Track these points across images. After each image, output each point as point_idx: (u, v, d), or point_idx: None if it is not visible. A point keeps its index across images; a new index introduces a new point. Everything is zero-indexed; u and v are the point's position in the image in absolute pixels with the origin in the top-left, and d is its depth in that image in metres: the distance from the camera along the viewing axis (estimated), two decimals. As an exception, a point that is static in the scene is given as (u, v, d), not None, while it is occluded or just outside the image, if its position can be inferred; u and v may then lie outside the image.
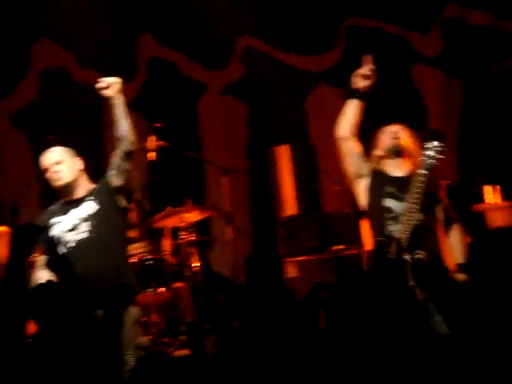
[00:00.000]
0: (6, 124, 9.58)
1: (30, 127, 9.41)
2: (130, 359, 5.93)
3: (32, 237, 5.19)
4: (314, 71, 9.84)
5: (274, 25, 9.45)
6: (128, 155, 6.24)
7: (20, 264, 4.97)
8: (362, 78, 5.40)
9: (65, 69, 9.52)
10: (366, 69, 5.41)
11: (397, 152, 6.06)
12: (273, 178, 9.23)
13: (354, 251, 8.17)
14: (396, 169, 5.88)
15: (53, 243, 6.42)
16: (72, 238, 6.36)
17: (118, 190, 6.35)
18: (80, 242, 6.36)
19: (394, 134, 6.19)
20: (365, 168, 5.91)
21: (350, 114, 5.56)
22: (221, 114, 9.74)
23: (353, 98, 5.53)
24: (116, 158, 6.27)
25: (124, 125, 6.22)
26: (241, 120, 9.72)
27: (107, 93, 6.20)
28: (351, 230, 8.27)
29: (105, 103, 6.63)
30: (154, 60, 9.63)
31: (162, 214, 8.37)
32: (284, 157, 9.04)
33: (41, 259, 6.36)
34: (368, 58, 5.46)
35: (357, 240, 8.16)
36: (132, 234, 8.28)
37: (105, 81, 6.23)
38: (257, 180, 9.64)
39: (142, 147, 7.46)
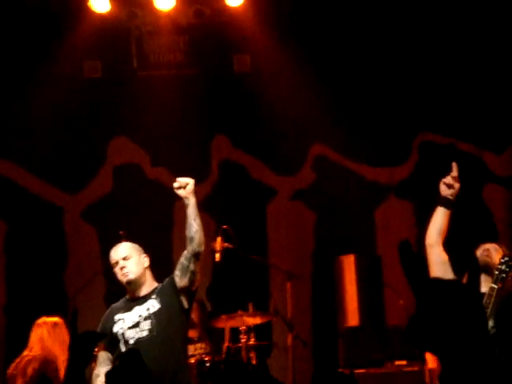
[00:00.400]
0: (78, 218, 9.54)
1: (101, 222, 9.39)
2: None
3: (92, 345, 4.99)
4: (384, 183, 9.78)
5: (347, 133, 9.43)
6: (196, 256, 6.23)
7: (80, 371, 4.81)
8: (446, 186, 5.31)
9: (138, 166, 9.51)
10: (449, 177, 5.34)
11: (485, 268, 6.13)
12: (337, 286, 9.06)
13: (416, 368, 8.02)
14: (485, 284, 5.94)
15: (115, 339, 6.39)
16: (132, 335, 6.34)
17: (183, 291, 6.31)
18: (140, 340, 6.32)
19: (485, 251, 6.30)
20: (450, 276, 5.92)
21: (438, 221, 5.47)
22: (289, 219, 9.76)
23: (440, 205, 5.43)
24: (184, 258, 6.28)
25: (195, 226, 6.25)
26: (308, 226, 9.75)
27: (181, 193, 6.25)
28: (414, 345, 8.31)
29: (175, 202, 6.75)
30: (226, 162, 9.63)
31: (224, 316, 8.24)
32: (349, 266, 9.04)
33: (102, 355, 6.37)
34: (454, 166, 5.50)
35: (420, 357, 7.99)
36: (192, 334, 8.33)
37: (180, 181, 6.29)
38: (320, 288, 9.49)
39: (209, 248, 7.35)
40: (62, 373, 8.02)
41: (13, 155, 9.76)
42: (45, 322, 8.18)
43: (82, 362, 4.84)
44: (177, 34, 9.43)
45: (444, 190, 5.76)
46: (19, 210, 9.64)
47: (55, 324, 8.14)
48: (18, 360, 8.00)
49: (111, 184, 9.79)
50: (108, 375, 5.45)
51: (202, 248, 6.35)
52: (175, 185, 6.35)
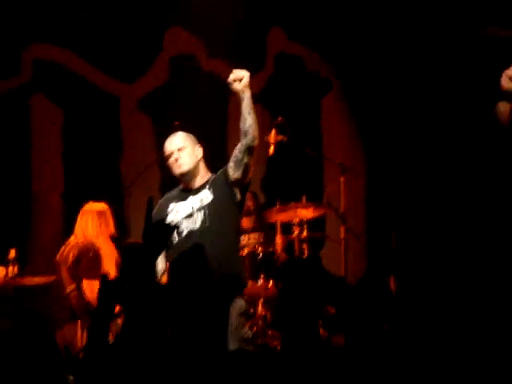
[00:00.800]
0: (134, 107, 9.67)
1: (157, 112, 9.56)
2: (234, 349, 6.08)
3: (166, 235, 5.40)
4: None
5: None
6: (249, 150, 6.26)
7: (154, 259, 5.01)
8: (510, 79, 5.16)
9: (194, 57, 9.58)
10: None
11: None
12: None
13: None
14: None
15: (169, 229, 6.39)
16: (186, 225, 6.42)
17: (236, 183, 6.35)
18: (193, 231, 6.40)
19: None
20: None
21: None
22: (343, 114, 9.66)
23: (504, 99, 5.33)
24: (238, 151, 6.28)
25: (249, 120, 6.25)
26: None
27: (236, 86, 6.22)
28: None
29: (231, 94, 6.76)
30: (282, 54, 9.68)
31: (277, 207, 8.44)
32: None
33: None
34: None
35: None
36: (246, 223, 8.44)
37: (236, 73, 6.24)
38: (374, 182, 9.52)
39: (263, 141, 7.32)
40: (103, 261, 8.28)
41: (72, 45, 9.62)
42: (90, 210, 8.36)
43: (156, 249, 4.95)
44: None
45: (507, 83, 5.52)
46: (76, 99, 9.62)
47: (100, 212, 8.33)
48: (63, 247, 8.19)
49: (167, 75, 9.78)
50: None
51: (256, 142, 6.32)
52: (231, 77, 6.28)
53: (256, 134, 6.30)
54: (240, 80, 6.23)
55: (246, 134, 6.29)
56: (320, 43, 9.65)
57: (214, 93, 9.42)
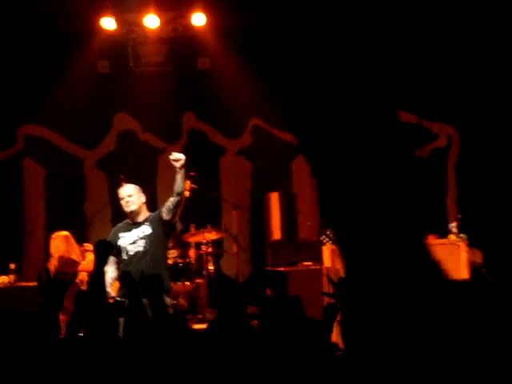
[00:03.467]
0: (94, 165, 10.77)
1: (109, 170, 10.56)
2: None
3: (107, 250, 5.42)
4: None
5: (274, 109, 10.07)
6: (179, 204, 7.29)
7: (101, 268, 5.21)
8: None
9: (133, 132, 10.78)
10: None
11: None
12: (266, 213, 10.08)
13: (318, 266, 8.67)
14: None
15: (119, 250, 7.32)
16: (131, 248, 7.35)
17: (166, 222, 7.34)
18: (136, 252, 7.33)
19: None
20: None
21: None
22: (235, 168, 10.85)
23: None
24: (170, 203, 7.29)
25: (182, 186, 7.23)
26: (247, 173, 10.89)
27: (175, 164, 7.14)
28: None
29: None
30: (192, 130, 10.77)
31: (191, 232, 9.54)
32: (274, 201, 9.97)
33: (110, 259, 7.10)
34: None
35: (320, 259, 8.75)
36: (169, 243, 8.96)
37: (175, 155, 7.15)
38: (256, 215, 10.64)
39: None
40: (78, 266, 9.00)
41: (49, 123, 10.66)
42: (57, 235, 9.08)
43: (101, 262, 5.28)
44: (159, 43, 10.34)
45: None
46: (54, 161, 10.67)
47: (66, 236, 9.09)
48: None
49: (115, 144, 10.83)
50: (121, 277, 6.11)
51: (183, 201, 7.30)
52: (171, 157, 7.19)
53: (184, 195, 7.28)
54: (178, 161, 7.12)
55: (178, 194, 7.22)
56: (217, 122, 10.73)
57: (147, 156, 10.59)
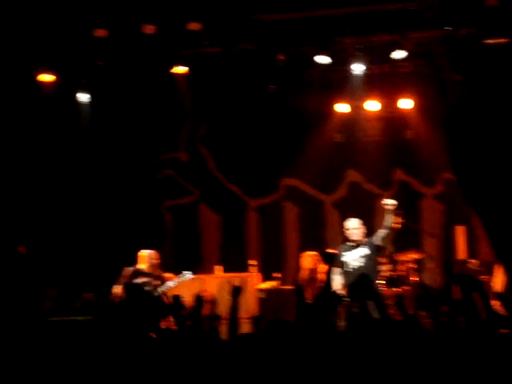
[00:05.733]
0: (331, 206, 12.63)
1: (341, 208, 12.25)
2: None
3: (333, 260, 6.44)
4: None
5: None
6: (386, 235, 8.67)
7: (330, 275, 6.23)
8: None
9: (359, 183, 12.80)
10: None
11: None
12: (454, 241, 11.58)
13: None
14: None
15: (343, 264, 8.62)
16: (354, 264, 8.69)
17: (377, 247, 8.73)
18: (357, 267, 8.65)
19: None
20: None
21: None
22: (430, 208, 12.49)
23: None
24: (380, 233, 8.69)
25: (388, 222, 8.55)
26: (440, 212, 12.46)
27: (387, 207, 8.51)
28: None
29: (376, 202, 9.82)
30: (401, 181, 12.63)
31: (400, 252, 11.01)
32: (460, 232, 11.64)
33: (337, 270, 8.49)
34: None
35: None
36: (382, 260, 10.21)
37: (387, 201, 8.51)
38: (447, 241, 11.99)
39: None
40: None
41: (300, 175, 12.81)
42: (307, 254, 10.65)
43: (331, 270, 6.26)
44: (377, 120, 12.45)
45: None
46: (303, 202, 12.80)
47: (313, 255, 10.60)
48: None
49: (346, 191, 12.78)
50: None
51: (391, 231, 8.52)
52: (384, 202, 8.57)
53: (391, 229, 8.44)
54: (389, 205, 8.50)
55: (386, 228, 8.55)
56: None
57: (368, 200, 12.20)
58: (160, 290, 9.95)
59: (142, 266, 10.20)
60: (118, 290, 10.04)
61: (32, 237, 12.20)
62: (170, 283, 10.07)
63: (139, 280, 9.99)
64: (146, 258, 10.22)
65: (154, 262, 10.25)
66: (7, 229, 11.97)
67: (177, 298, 6.42)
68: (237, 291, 5.86)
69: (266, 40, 11.32)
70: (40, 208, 12.54)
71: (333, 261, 7.20)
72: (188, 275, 10.10)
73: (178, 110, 12.64)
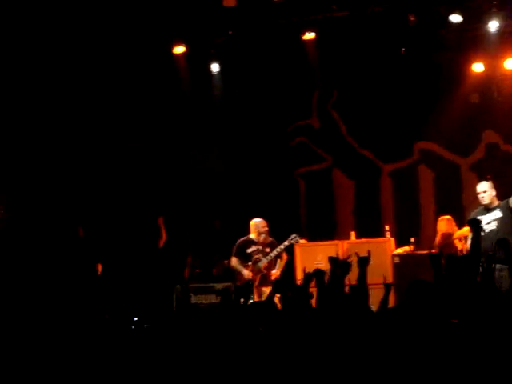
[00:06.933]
0: (468, 170, 12.51)
1: (479, 172, 12.00)
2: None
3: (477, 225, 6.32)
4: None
5: None
6: None
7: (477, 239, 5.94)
8: None
9: (497, 144, 12.53)
10: None
11: None
12: None
13: None
14: None
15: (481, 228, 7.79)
16: (486, 227, 8.72)
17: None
18: (490, 231, 8.72)
19: None
20: None
21: None
22: None
23: None
24: None
25: None
26: None
27: None
28: None
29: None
30: None
31: None
32: None
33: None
34: None
35: None
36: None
37: None
38: None
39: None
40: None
41: (435, 138, 12.59)
42: (443, 218, 10.73)
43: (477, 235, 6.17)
44: None
45: None
46: (440, 166, 12.59)
47: (448, 219, 10.76)
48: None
49: (484, 153, 12.54)
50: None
51: None
52: None
53: None
54: None
55: None
56: None
57: (507, 161, 12.01)
58: (270, 255, 10.19)
59: (252, 235, 10.50)
60: (233, 261, 10.44)
61: (171, 205, 12.46)
62: (278, 249, 10.33)
63: (250, 249, 10.28)
64: (254, 226, 10.50)
65: (262, 230, 10.48)
66: (148, 199, 12.24)
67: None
68: (364, 261, 5.69)
69: (396, 1, 11.15)
70: (178, 178, 12.85)
71: (477, 226, 6.88)
72: (296, 238, 10.35)
73: (309, 76, 12.58)
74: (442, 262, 5.59)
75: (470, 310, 4.69)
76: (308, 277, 5.88)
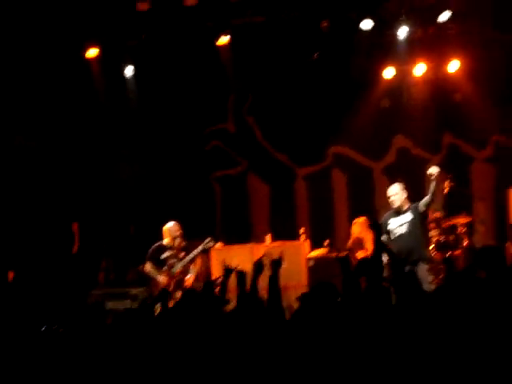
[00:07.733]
0: (380, 173, 12.54)
1: (390, 175, 11.95)
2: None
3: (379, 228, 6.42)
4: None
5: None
6: (430, 201, 8.73)
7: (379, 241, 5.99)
8: None
9: (407, 148, 12.69)
10: None
11: None
12: (506, 204, 11.37)
13: None
14: None
15: (388, 231, 8.62)
16: (397, 231, 8.75)
17: (422, 213, 8.80)
18: (401, 234, 8.73)
19: None
20: None
21: None
22: (481, 172, 12.31)
23: None
24: (425, 200, 8.71)
25: (431, 190, 8.60)
26: (491, 176, 12.32)
27: (431, 176, 8.54)
28: None
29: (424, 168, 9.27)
30: (450, 144, 12.38)
31: (450, 217, 10.76)
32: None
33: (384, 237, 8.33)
34: None
35: None
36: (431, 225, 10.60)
37: (430, 171, 8.53)
38: (498, 204, 11.86)
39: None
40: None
41: (347, 142, 12.65)
42: (357, 221, 10.75)
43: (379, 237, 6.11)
44: (423, 84, 12.02)
45: None
46: (351, 170, 12.69)
47: (361, 223, 10.69)
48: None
49: (395, 157, 12.64)
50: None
51: (431, 202, 8.65)
52: (428, 172, 8.56)
53: (433, 197, 8.61)
54: (432, 173, 8.50)
55: (431, 194, 8.58)
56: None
57: (416, 165, 11.97)
58: (185, 260, 9.93)
59: (166, 240, 10.12)
60: (148, 267, 10.07)
61: (85, 210, 12.29)
62: (193, 253, 10.02)
63: (164, 255, 9.94)
64: (167, 231, 10.16)
65: (176, 233, 10.16)
66: (61, 205, 12.03)
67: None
68: (276, 264, 5.56)
69: (309, 7, 11.21)
70: (91, 183, 12.61)
71: (379, 230, 6.88)
72: (211, 242, 10.05)
73: (223, 81, 12.48)
74: (352, 264, 5.61)
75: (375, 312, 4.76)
76: (228, 271, 5.89)
